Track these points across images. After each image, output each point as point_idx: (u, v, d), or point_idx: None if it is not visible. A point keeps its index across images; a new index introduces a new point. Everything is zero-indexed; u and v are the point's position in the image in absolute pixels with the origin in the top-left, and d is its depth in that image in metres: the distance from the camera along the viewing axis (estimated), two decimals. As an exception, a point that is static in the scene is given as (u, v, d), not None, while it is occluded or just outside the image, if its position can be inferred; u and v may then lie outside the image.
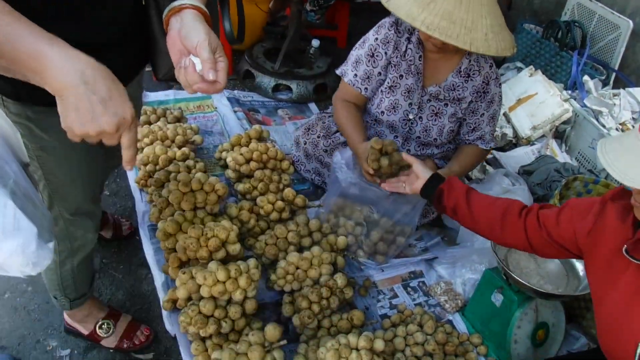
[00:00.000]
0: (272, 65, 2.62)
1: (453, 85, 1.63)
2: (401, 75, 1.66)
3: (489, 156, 2.32)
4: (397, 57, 1.64)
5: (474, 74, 1.62)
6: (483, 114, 1.68)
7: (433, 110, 1.69)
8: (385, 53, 1.64)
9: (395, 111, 1.69)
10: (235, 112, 2.33)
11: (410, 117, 1.69)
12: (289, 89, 2.56)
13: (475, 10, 1.36)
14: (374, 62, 1.65)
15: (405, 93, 1.67)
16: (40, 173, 1.09)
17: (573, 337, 1.55)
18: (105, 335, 1.45)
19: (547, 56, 2.80)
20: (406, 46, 1.63)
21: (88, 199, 1.23)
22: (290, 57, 2.67)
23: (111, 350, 1.47)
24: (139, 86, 1.32)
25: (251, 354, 1.11)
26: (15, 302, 1.59)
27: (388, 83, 1.68)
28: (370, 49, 1.65)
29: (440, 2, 1.36)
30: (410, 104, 1.68)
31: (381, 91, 1.70)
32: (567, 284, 1.35)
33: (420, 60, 1.62)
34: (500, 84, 1.68)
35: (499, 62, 3.14)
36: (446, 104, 1.67)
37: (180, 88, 2.56)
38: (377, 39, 1.64)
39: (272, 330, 1.16)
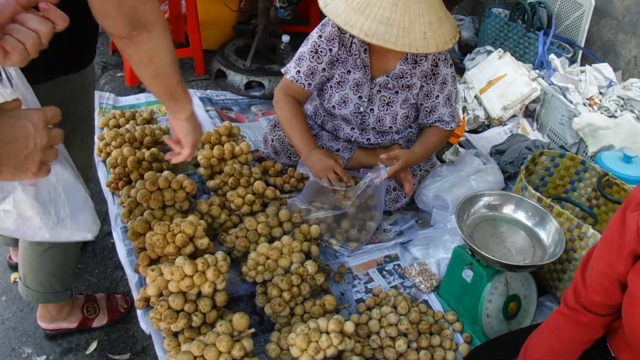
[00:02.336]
0: (243, 63, 2.62)
1: (401, 72, 1.65)
2: (349, 71, 1.68)
3: (462, 138, 2.34)
4: (343, 54, 1.66)
5: (421, 60, 1.64)
6: (437, 96, 1.69)
7: (384, 101, 1.70)
8: (330, 50, 1.65)
9: (345, 105, 1.71)
10: (207, 111, 2.33)
11: (361, 110, 1.71)
12: (262, 85, 2.56)
13: (412, 10, 1.36)
14: (318, 58, 1.65)
15: (354, 87, 1.69)
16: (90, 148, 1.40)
17: (547, 308, 1.57)
18: (94, 316, 1.50)
19: (515, 38, 2.83)
20: (351, 41, 1.64)
21: None
22: (261, 54, 2.68)
23: (87, 353, 1.47)
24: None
25: (219, 344, 1.12)
26: (-10, 312, 1.59)
27: (336, 79, 1.69)
28: (314, 46, 1.65)
29: (376, 7, 1.36)
30: (360, 97, 1.70)
31: (330, 86, 1.71)
32: (533, 255, 1.37)
33: (365, 54, 1.64)
34: (450, 65, 1.69)
35: (471, 47, 3.17)
36: (397, 92, 1.69)
37: (151, 91, 2.58)
38: (320, 36, 1.65)
39: (239, 320, 1.17)
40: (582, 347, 1.04)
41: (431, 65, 1.65)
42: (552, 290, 1.62)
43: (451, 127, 1.76)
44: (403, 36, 1.35)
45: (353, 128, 1.79)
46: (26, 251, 1.38)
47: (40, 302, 1.42)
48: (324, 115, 1.83)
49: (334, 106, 1.72)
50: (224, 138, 1.86)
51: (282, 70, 1.74)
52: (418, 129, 1.86)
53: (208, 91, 2.51)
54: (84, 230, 1.05)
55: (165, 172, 1.55)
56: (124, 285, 1.66)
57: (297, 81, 1.68)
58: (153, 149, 1.78)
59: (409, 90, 1.68)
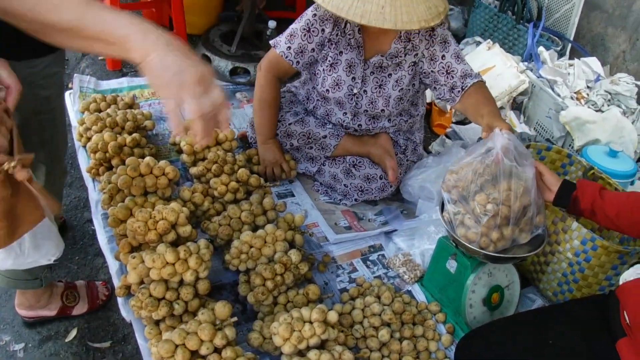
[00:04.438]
0: (228, 48, 2.57)
1: (396, 51, 1.62)
2: (341, 52, 1.65)
3: (448, 130, 2.34)
4: (336, 35, 1.63)
5: (414, 37, 1.61)
6: (444, 55, 1.60)
7: (377, 83, 1.68)
8: (323, 30, 1.63)
9: (339, 87, 1.69)
10: (192, 97, 2.28)
11: (355, 91, 1.68)
12: (247, 71, 2.52)
13: None
14: (309, 37, 1.64)
15: (346, 68, 1.66)
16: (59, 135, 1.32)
17: (529, 300, 1.59)
18: (74, 304, 1.48)
19: (504, 29, 2.82)
20: (345, 21, 1.61)
21: None
22: (247, 40, 2.63)
23: (66, 341, 1.45)
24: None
25: (201, 332, 1.10)
26: (-35, 300, 1.55)
27: (329, 61, 1.67)
28: (307, 24, 1.63)
29: None
30: (353, 78, 1.67)
31: (322, 70, 1.69)
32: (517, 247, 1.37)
33: (359, 34, 1.61)
34: (446, 28, 1.62)
35: (460, 37, 3.16)
36: (389, 74, 1.66)
37: (134, 75, 2.51)
38: (315, 15, 1.62)
39: (221, 308, 1.15)
40: None
41: (425, 32, 1.59)
42: (535, 282, 1.63)
43: (480, 78, 1.60)
44: (357, 6, 1.34)
45: (345, 113, 1.76)
46: None
47: (10, 287, 1.40)
48: (317, 100, 1.80)
49: (327, 90, 1.70)
50: (208, 124, 1.82)
51: (271, 42, 1.71)
52: (408, 117, 1.83)
53: (193, 76, 2.46)
54: (48, 255, 1.12)
55: (147, 158, 1.52)
56: (104, 273, 1.63)
57: (286, 57, 1.67)
58: (135, 135, 1.74)
59: (399, 68, 1.64)
